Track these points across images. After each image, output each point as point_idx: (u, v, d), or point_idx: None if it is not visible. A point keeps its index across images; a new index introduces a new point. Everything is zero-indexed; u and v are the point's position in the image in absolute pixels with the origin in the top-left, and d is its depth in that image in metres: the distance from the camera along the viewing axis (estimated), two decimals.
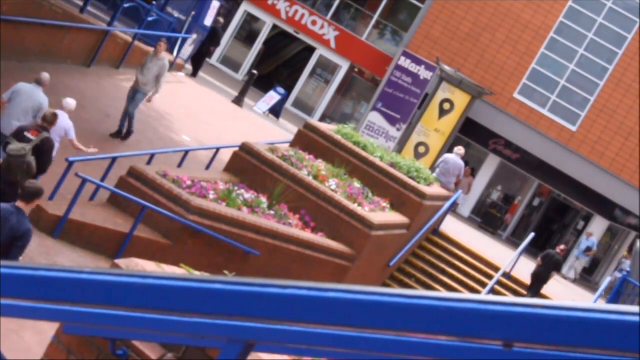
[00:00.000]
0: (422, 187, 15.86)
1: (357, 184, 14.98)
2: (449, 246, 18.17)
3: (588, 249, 22.95)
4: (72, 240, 10.84)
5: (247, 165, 14.07)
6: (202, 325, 2.17)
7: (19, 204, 7.97)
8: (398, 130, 27.42)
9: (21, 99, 12.07)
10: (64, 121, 11.98)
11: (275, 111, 26.61)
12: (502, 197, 30.86)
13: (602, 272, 30.32)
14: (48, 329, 7.22)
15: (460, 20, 29.27)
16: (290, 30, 31.85)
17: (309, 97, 32.57)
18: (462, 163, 18.48)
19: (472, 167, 26.69)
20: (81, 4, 18.87)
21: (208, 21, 24.53)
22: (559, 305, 1.43)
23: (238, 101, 24.34)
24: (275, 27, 31.95)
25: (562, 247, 19.68)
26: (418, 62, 27.35)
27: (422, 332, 1.54)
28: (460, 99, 27.06)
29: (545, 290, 18.49)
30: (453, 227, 19.72)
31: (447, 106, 27.10)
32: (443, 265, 17.66)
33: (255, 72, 25.76)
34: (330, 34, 31.55)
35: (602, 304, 1.43)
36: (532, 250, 23.87)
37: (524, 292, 17.84)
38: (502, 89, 28.99)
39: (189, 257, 11.30)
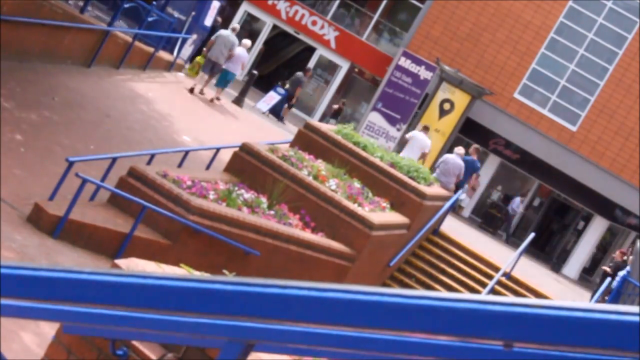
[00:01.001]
0: (422, 187, 15.86)
1: (357, 184, 14.98)
2: (449, 246, 18.17)
3: None
4: (72, 240, 10.83)
5: (247, 166, 14.07)
6: (202, 325, 2.16)
7: None
8: (398, 130, 27.42)
9: (221, 40, 21.52)
10: (244, 53, 22.17)
11: (275, 111, 26.61)
12: (502, 197, 30.87)
13: (602, 272, 30.31)
14: (48, 329, 7.22)
15: (460, 20, 29.27)
16: (290, 30, 31.85)
17: (309, 97, 32.57)
18: (462, 163, 18.50)
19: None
20: (81, 4, 18.87)
21: (208, 21, 24.53)
22: (559, 305, 1.43)
23: (238, 101, 24.34)
24: (275, 27, 31.95)
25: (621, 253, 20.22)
26: (418, 62, 27.34)
27: (422, 332, 1.54)
28: (460, 99, 27.07)
29: (545, 290, 18.50)
30: (453, 227, 19.72)
31: (447, 106, 27.11)
32: (443, 265, 17.66)
33: (255, 72, 25.76)
34: (330, 34, 31.54)
35: (602, 304, 1.43)
36: (532, 251, 23.87)
37: (524, 292, 17.84)
38: (502, 89, 28.99)
39: (189, 257, 11.29)
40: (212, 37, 22.04)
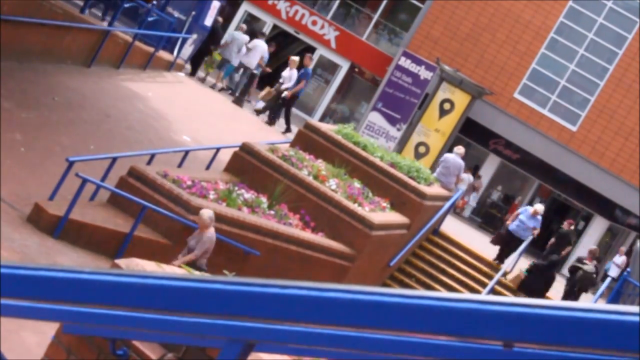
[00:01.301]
0: (422, 187, 15.85)
1: (357, 184, 14.97)
2: (449, 246, 18.17)
3: None
4: (72, 240, 10.84)
5: (247, 165, 14.07)
6: (202, 325, 2.16)
7: None
8: (398, 130, 27.41)
9: (236, 41, 24.02)
10: (262, 46, 24.13)
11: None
12: (502, 197, 30.87)
13: (601, 272, 30.30)
14: (48, 329, 7.22)
15: (460, 20, 29.26)
16: (290, 30, 31.85)
17: (309, 97, 32.56)
18: (462, 162, 18.48)
19: (474, 168, 26.68)
20: (81, 3, 18.86)
21: (208, 21, 24.52)
22: (559, 305, 1.42)
23: (238, 101, 24.33)
24: (275, 27, 31.95)
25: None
26: (418, 62, 27.34)
27: (422, 332, 1.54)
28: (461, 99, 27.05)
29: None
30: (453, 227, 19.71)
31: (447, 106, 27.09)
32: (443, 265, 17.66)
33: (255, 72, 25.74)
34: (331, 34, 31.54)
35: (602, 304, 1.43)
36: (532, 251, 23.86)
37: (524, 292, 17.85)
38: (502, 89, 28.98)
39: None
40: (227, 39, 24.80)
